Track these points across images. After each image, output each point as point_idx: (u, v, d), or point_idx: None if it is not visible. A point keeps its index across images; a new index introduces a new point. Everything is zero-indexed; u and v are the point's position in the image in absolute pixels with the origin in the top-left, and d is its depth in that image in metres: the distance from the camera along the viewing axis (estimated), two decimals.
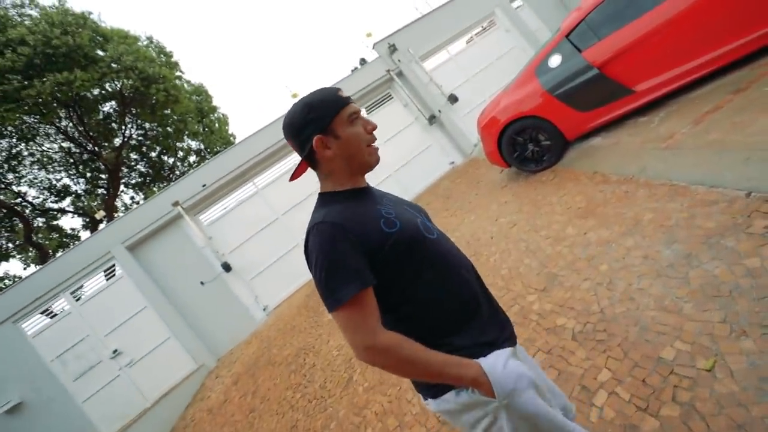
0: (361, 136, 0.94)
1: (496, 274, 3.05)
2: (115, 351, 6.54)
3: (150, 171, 15.78)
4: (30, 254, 13.53)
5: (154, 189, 15.66)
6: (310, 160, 0.96)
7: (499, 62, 8.67)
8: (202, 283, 7.10)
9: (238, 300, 7.15)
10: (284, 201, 7.69)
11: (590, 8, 3.52)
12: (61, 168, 13.44)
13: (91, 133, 12.94)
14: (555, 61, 3.78)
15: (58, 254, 10.35)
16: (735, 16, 2.86)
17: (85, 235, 14.30)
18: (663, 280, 1.87)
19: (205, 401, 5.52)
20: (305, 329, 5.12)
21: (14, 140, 11.86)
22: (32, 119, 11.60)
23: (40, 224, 13.56)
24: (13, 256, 13.35)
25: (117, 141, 13.91)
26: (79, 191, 14.07)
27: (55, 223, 13.97)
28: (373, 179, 7.87)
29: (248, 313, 7.11)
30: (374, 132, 0.98)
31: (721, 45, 2.95)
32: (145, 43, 13.52)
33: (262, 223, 7.60)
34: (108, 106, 13.13)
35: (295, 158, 7.73)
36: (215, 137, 17.04)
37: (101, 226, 12.44)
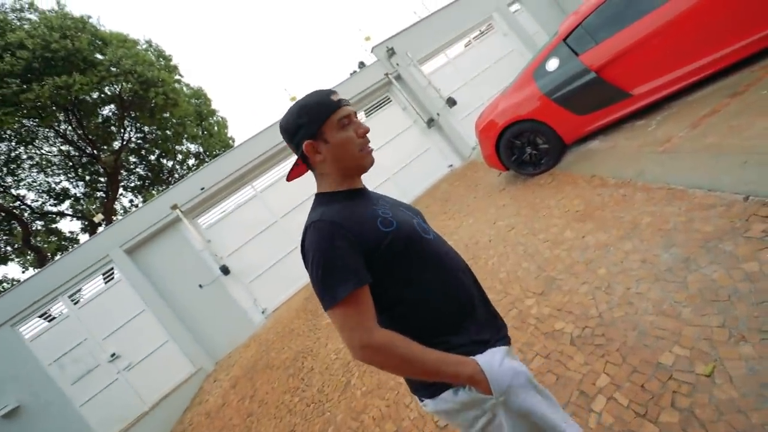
0: (352, 140, 0.93)
1: (494, 277, 3.04)
2: (113, 354, 6.51)
3: (149, 174, 15.78)
4: (28, 257, 13.49)
5: (153, 192, 15.65)
6: (305, 162, 0.99)
7: (497, 66, 8.69)
8: (200, 286, 7.08)
9: (237, 303, 7.13)
10: (283, 204, 7.69)
11: (587, 12, 3.53)
12: (60, 171, 13.44)
13: (90, 137, 12.95)
14: (552, 64, 3.79)
15: (57, 257, 10.32)
16: (731, 19, 2.87)
17: (83, 238, 14.28)
18: (661, 284, 1.86)
19: (203, 405, 5.50)
20: (303, 332, 5.11)
21: (13, 143, 11.87)
22: (31, 122, 11.61)
23: (39, 227, 13.54)
24: (12, 260, 13.32)
25: (116, 144, 13.91)
26: (78, 194, 14.07)
27: (53, 226, 13.95)
28: (371, 182, 7.91)
29: (247, 317, 7.08)
30: (368, 135, 0.98)
31: (718, 49, 2.96)
32: (144, 46, 13.55)
33: (261, 226, 7.59)
34: (107, 110, 13.14)
35: (294, 160, 7.71)
36: (214, 140, 17.04)
37: (100, 229, 12.42)
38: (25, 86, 9.77)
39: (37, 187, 12.97)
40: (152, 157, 15.61)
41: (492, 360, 0.88)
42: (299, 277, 7.26)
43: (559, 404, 0.99)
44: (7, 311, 6.29)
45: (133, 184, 15.75)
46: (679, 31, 3.05)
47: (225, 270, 7.05)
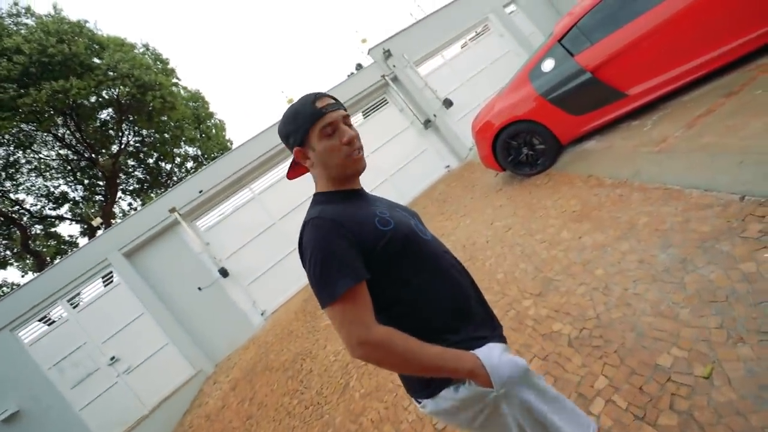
0: (336, 149, 0.93)
1: (491, 278, 3.03)
2: (112, 358, 6.51)
3: (147, 177, 15.76)
4: (28, 262, 13.47)
5: (152, 195, 15.64)
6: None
7: (493, 67, 8.70)
8: (199, 288, 7.08)
9: (236, 305, 7.12)
10: (281, 206, 7.69)
11: (582, 13, 3.53)
12: (59, 175, 13.43)
13: (88, 140, 12.93)
14: (548, 65, 3.80)
15: (56, 262, 10.31)
16: (725, 19, 2.87)
17: (83, 241, 14.26)
18: (659, 285, 1.86)
19: (203, 407, 5.49)
20: (302, 334, 5.10)
21: (11, 148, 11.85)
22: (29, 127, 11.59)
23: (38, 231, 13.52)
24: (11, 264, 13.30)
25: (114, 148, 13.90)
26: (77, 198, 14.05)
27: (52, 230, 13.93)
28: (369, 183, 7.91)
29: (246, 319, 7.08)
30: (361, 138, 0.98)
31: (713, 48, 2.97)
32: (141, 50, 13.54)
33: (259, 228, 7.59)
34: (105, 114, 13.13)
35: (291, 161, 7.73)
36: (212, 143, 17.02)
37: (99, 233, 12.40)
38: (22, 91, 9.76)
39: (36, 191, 12.95)
40: (150, 161, 15.59)
41: (490, 353, 0.88)
42: (298, 278, 7.26)
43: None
44: (7, 316, 6.28)
45: (131, 188, 15.73)
46: (674, 31, 3.05)
47: (224, 272, 7.04)
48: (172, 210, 7.02)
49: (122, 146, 13.95)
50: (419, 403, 0.96)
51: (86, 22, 11.58)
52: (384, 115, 8.45)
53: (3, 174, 11.79)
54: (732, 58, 2.94)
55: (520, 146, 4.15)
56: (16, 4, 10.81)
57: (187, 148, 16.45)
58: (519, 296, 2.59)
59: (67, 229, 34.54)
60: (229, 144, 18.42)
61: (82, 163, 13.63)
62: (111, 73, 11.01)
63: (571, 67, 3.60)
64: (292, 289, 7.31)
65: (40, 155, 12.79)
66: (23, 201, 12.78)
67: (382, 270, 0.87)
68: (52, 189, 13.31)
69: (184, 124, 14.92)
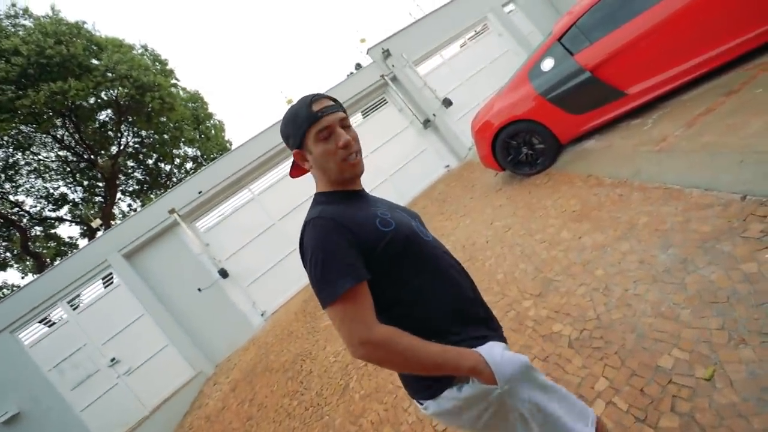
0: (331, 153, 0.93)
1: (491, 278, 3.02)
2: (112, 359, 6.51)
3: (147, 178, 15.75)
4: (27, 263, 13.46)
5: (152, 196, 15.62)
6: None
7: (492, 66, 8.69)
8: (199, 289, 7.07)
9: (236, 306, 7.12)
10: (280, 207, 7.68)
11: (582, 12, 3.52)
12: (59, 176, 13.42)
13: (87, 142, 12.92)
14: (547, 64, 3.78)
15: (56, 263, 10.30)
16: (725, 17, 2.86)
17: (83, 243, 14.25)
18: (659, 285, 1.85)
19: (203, 409, 5.48)
20: (302, 335, 5.09)
21: (11, 150, 11.84)
22: (28, 128, 11.58)
23: (38, 233, 13.51)
24: (11, 266, 13.30)
25: (113, 149, 13.88)
26: (77, 199, 14.04)
27: (52, 231, 13.92)
28: (368, 183, 7.90)
29: (246, 319, 7.08)
30: (359, 140, 0.97)
31: (712, 47, 2.95)
32: (139, 51, 13.53)
33: (259, 229, 7.59)
34: (104, 115, 13.10)
35: (291, 162, 7.73)
36: (211, 144, 17.01)
37: (99, 234, 12.39)
38: (20, 92, 9.74)
39: (36, 193, 12.94)
40: (150, 162, 15.58)
41: (492, 350, 0.88)
42: (298, 279, 7.25)
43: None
44: (7, 317, 6.28)
45: (131, 189, 15.72)
46: (674, 30, 3.04)
47: (223, 273, 7.04)
48: (172, 211, 7.01)
49: (121, 147, 13.94)
50: (421, 404, 0.95)
51: (84, 23, 11.56)
52: (383, 114, 8.44)
53: (2, 176, 11.78)
54: (731, 57, 2.93)
55: (519, 146, 4.14)
56: (13, 5, 10.79)
57: (186, 148, 16.44)
58: (519, 297, 2.58)
59: (67, 231, 34.58)
60: (228, 145, 18.40)
61: (82, 165, 13.62)
62: (109, 74, 10.99)
63: (571, 67, 3.59)
64: (292, 289, 7.31)
65: (40, 157, 12.77)
66: (23, 202, 12.78)
67: (382, 271, 0.87)
68: (51, 190, 13.30)
69: (184, 124, 14.90)
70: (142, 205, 15.30)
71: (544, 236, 3.00)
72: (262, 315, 7.13)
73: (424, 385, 0.91)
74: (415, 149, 8.37)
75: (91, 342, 6.54)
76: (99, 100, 12.09)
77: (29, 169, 12.58)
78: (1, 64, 9.44)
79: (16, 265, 13.46)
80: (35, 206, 13.11)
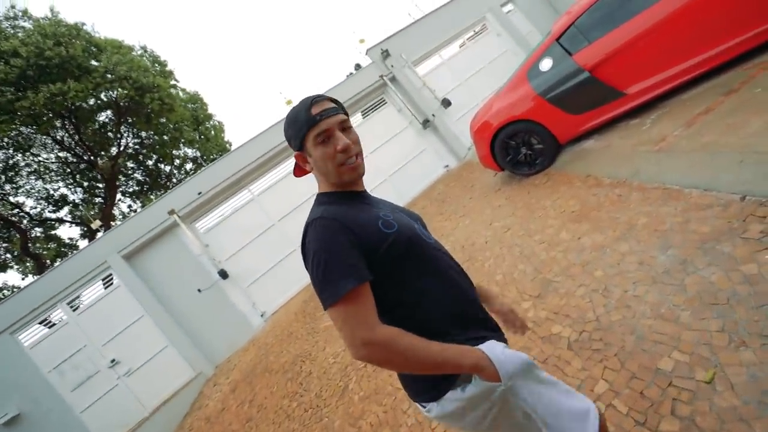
0: (329, 157, 0.92)
1: (490, 279, 3.02)
2: (112, 360, 6.51)
3: (147, 179, 15.76)
4: (28, 265, 13.47)
5: (152, 197, 15.63)
6: None
7: (491, 66, 8.68)
8: (199, 290, 7.07)
9: (235, 307, 7.11)
10: (280, 207, 7.68)
11: (580, 11, 3.51)
12: (59, 178, 13.44)
13: (87, 143, 12.93)
14: (546, 64, 3.77)
15: (55, 264, 10.30)
16: (724, 17, 2.85)
17: (83, 244, 14.26)
18: (659, 286, 1.84)
19: (203, 410, 5.48)
20: (302, 336, 5.09)
21: (11, 151, 11.84)
22: (28, 130, 11.59)
23: (38, 234, 13.52)
24: (11, 267, 13.30)
25: (113, 150, 13.89)
26: (77, 200, 14.05)
27: (52, 232, 13.93)
28: (368, 184, 7.73)
29: (246, 320, 7.07)
30: (349, 149, 0.93)
31: (711, 46, 2.94)
32: (139, 52, 13.53)
33: (259, 229, 7.58)
34: (103, 116, 13.12)
35: (291, 163, 7.75)
36: (211, 145, 17.01)
37: (99, 235, 12.39)
38: (20, 94, 9.76)
39: (36, 194, 12.96)
40: (150, 163, 15.59)
41: (494, 348, 0.87)
42: (297, 279, 7.25)
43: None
44: (7, 319, 6.29)
45: (131, 190, 15.73)
46: (672, 30, 3.03)
47: (223, 274, 7.03)
48: (171, 212, 7.00)
49: (121, 148, 13.95)
50: (424, 407, 0.94)
51: (83, 24, 11.57)
52: (383, 115, 8.44)
53: (2, 177, 11.79)
54: (731, 56, 2.92)
55: (518, 146, 4.13)
56: (13, 7, 10.80)
57: (186, 149, 16.45)
58: (518, 298, 2.57)
59: (67, 232, 34.68)
60: (228, 145, 18.40)
61: (82, 166, 13.63)
62: (109, 76, 10.99)
63: (569, 67, 3.58)
64: (291, 290, 7.30)
65: (40, 158, 12.78)
66: (23, 204, 12.79)
67: (384, 272, 0.86)
68: (51, 192, 13.32)
69: (183, 125, 14.91)
70: (143, 206, 15.30)
71: (543, 237, 2.99)
72: (261, 316, 7.13)
73: (426, 386, 0.90)
74: (415, 149, 8.37)
75: (91, 343, 6.54)
76: (98, 102, 12.11)
77: (29, 170, 12.60)
78: (1, 66, 9.45)
79: (16, 267, 13.48)
80: (35, 207, 13.15)
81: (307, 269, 0.86)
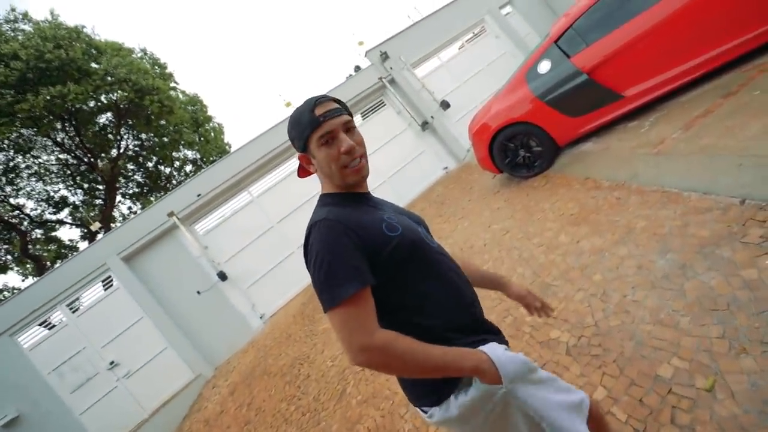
0: (333, 158, 0.91)
1: None
2: (112, 362, 6.50)
3: (147, 181, 15.77)
4: (27, 266, 13.47)
5: (152, 199, 15.64)
6: None
7: (489, 68, 8.67)
8: (198, 292, 7.05)
9: (235, 309, 7.10)
10: (280, 209, 7.66)
11: (578, 14, 3.50)
12: (59, 179, 13.45)
13: (87, 145, 12.96)
14: (544, 66, 3.76)
15: (56, 266, 10.30)
16: (722, 19, 2.84)
17: (83, 246, 14.26)
18: (658, 291, 1.82)
19: (202, 412, 5.46)
20: (300, 338, 5.07)
21: (11, 153, 11.86)
22: (29, 132, 11.61)
23: (38, 236, 13.53)
24: (11, 269, 13.30)
25: (113, 152, 13.91)
26: (77, 202, 14.06)
27: (52, 234, 13.94)
28: (368, 185, 7.81)
29: (245, 322, 7.06)
30: (353, 150, 0.92)
31: (710, 49, 2.93)
32: (138, 55, 13.56)
33: (258, 231, 7.57)
34: (104, 118, 13.15)
35: (291, 164, 7.77)
36: (211, 146, 17.03)
37: (99, 236, 12.40)
38: (20, 96, 9.78)
39: (36, 196, 12.98)
40: (150, 165, 15.60)
41: (495, 350, 0.87)
42: (297, 281, 7.23)
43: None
44: (6, 320, 6.28)
45: (131, 192, 15.75)
46: (671, 32, 3.02)
47: (222, 276, 7.02)
48: (171, 214, 6.99)
49: (121, 150, 13.97)
50: (425, 412, 0.93)
51: (83, 27, 11.61)
52: (382, 117, 8.43)
53: (3, 179, 11.82)
54: (729, 59, 2.91)
55: (517, 148, 4.12)
56: (13, 10, 10.82)
57: (186, 151, 16.47)
58: (517, 302, 2.55)
59: (67, 234, 34.67)
60: (227, 147, 18.42)
61: (82, 168, 13.65)
62: (109, 78, 11.02)
63: (568, 69, 3.57)
64: (291, 292, 7.28)
65: (40, 160, 12.80)
66: (23, 205, 12.82)
67: (387, 275, 0.85)
68: (51, 193, 13.34)
69: (183, 127, 14.93)
70: (142, 208, 15.31)
71: (542, 240, 2.97)
72: (261, 317, 7.11)
73: (427, 390, 0.90)
74: (414, 151, 8.35)
75: (91, 345, 6.53)
76: (98, 104, 12.13)
77: (30, 172, 12.63)
78: (1, 69, 9.48)
79: (16, 268, 13.48)
80: (35, 209, 13.15)
81: (308, 270, 0.85)
